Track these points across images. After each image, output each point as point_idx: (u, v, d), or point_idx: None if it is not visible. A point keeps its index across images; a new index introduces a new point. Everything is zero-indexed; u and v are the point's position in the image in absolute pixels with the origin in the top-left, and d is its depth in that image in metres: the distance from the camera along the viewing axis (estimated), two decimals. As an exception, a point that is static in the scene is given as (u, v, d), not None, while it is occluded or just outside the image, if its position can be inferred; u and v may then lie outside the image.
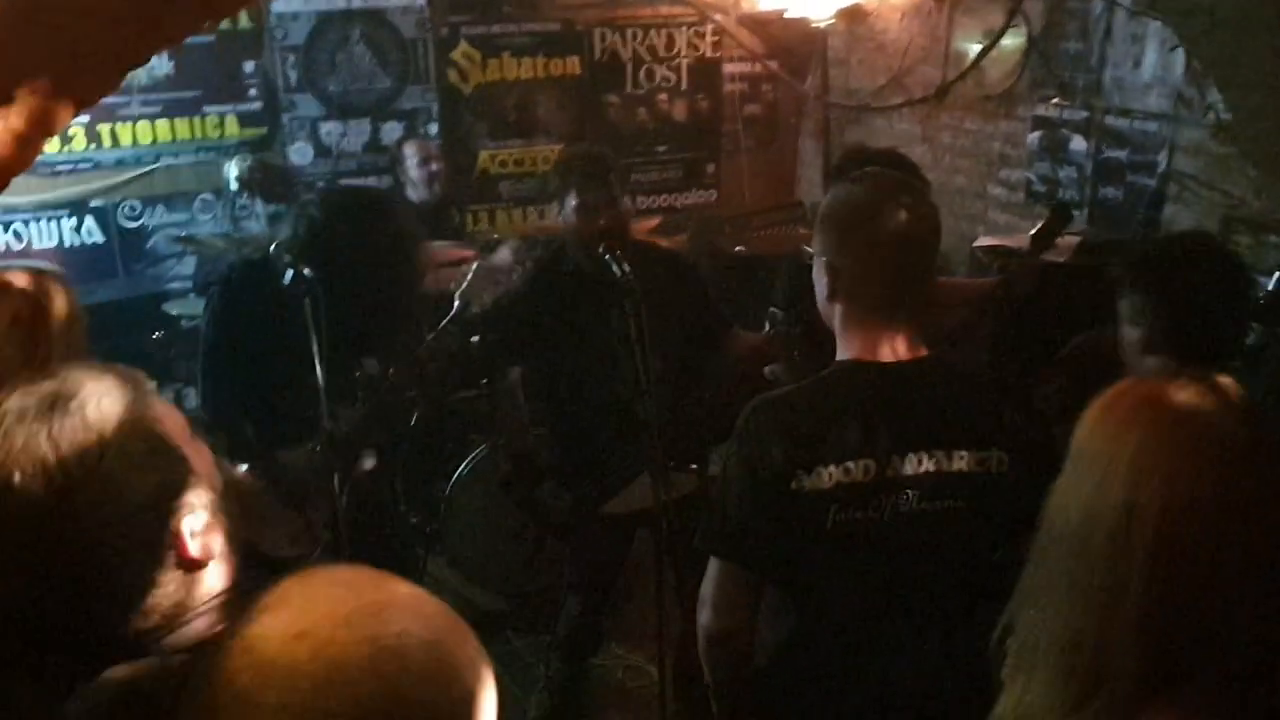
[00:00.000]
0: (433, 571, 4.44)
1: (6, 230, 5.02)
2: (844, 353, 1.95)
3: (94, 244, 5.22)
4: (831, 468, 1.83)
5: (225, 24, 5.29)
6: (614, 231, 3.11)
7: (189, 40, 5.09)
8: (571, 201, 3.22)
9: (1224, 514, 1.12)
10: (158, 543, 1.24)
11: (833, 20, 6.04)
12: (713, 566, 1.97)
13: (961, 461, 1.86)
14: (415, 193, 5.10)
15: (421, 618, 0.91)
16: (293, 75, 5.55)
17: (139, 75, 5.11)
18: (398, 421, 3.69)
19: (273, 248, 3.01)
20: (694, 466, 3.20)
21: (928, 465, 1.85)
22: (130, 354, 3.42)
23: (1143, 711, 1.13)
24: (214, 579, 1.30)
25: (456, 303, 3.70)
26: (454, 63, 5.89)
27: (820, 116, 6.53)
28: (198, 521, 1.27)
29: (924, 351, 1.92)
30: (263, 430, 3.24)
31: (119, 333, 4.60)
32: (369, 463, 3.50)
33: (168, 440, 1.27)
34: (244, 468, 3.31)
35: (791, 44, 6.44)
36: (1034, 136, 4.81)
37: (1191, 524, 1.12)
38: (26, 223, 5.07)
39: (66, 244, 5.17)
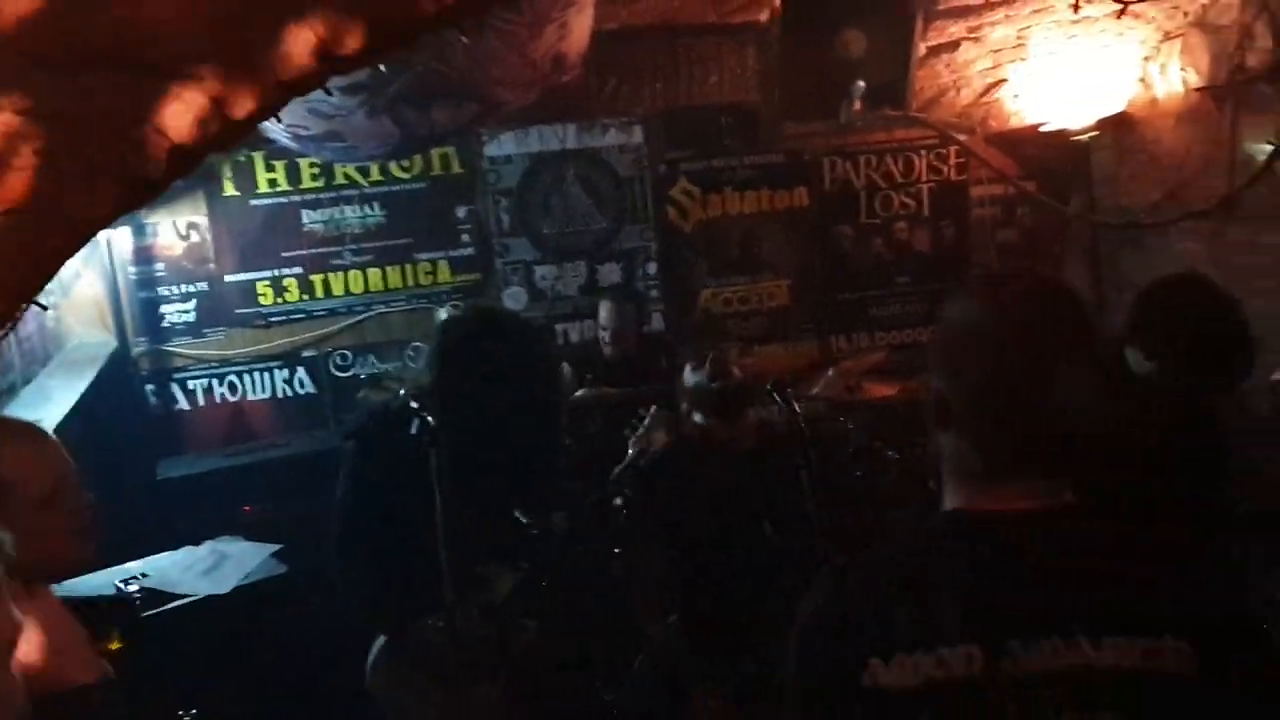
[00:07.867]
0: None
1: (222, 382, 5.04)
2: (949, 501, 1.48)
3: (305, 394, 5.16)
4: (918, 656, 1.31)
5: (437, 169, 5.25)
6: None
7: (399, 189, 5.18)
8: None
9: None
10: None
11: (1096, 132, 5.45)
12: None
13: (1116, 652, 1.30)
14: (603, 347, 4.90)
15: None
16: (506, 219, 5.41)
17: (351, 224, 5.13)
18: (572, 583, 3.21)
19: (401, 392, 2.70)
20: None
21: (1067, 657, 1.30)
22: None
23: None
24: None
25: (630, 450, 3.22)
26: (673, 200, 5.61)
27: (1087, 239, 5.80)
28: None
29: (1065, 499, 1.41)
30: (407, 598, 2.86)
31: (328, 485, 4.44)
32: (531, 631, 3.05)
33: None
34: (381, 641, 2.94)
35: (1049, 162, 5.81)
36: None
37: None
38: (240, 375, 5.08)
39: (279, 394, 5.14)
